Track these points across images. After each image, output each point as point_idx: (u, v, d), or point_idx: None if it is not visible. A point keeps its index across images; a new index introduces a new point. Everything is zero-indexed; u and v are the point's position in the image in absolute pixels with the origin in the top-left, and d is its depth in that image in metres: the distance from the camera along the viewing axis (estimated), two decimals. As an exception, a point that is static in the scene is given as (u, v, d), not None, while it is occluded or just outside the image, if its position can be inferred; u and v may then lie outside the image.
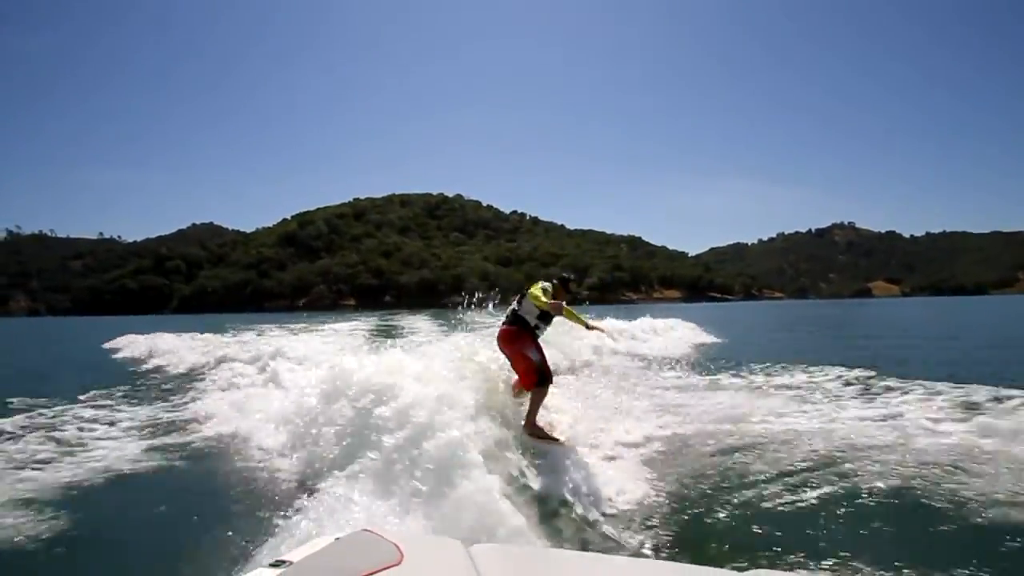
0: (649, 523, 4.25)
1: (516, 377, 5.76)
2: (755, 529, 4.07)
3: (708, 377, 10.09)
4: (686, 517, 4.34)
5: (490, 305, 8.23)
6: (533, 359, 5.48)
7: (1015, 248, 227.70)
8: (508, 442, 4.96)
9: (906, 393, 7.92)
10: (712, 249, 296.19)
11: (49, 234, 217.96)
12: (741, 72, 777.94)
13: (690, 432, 6.43)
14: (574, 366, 10.06)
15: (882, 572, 3.41)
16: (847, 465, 5.04)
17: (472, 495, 3.81)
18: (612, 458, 5.58)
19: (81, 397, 9.46)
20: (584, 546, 3.94)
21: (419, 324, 27.67)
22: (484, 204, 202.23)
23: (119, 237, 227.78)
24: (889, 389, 8.28)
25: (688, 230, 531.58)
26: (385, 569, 1.32)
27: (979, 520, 3.99)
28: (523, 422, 5.42)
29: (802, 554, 3.66)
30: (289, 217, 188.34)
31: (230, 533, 3.88)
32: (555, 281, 5.82)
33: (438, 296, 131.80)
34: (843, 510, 4.26)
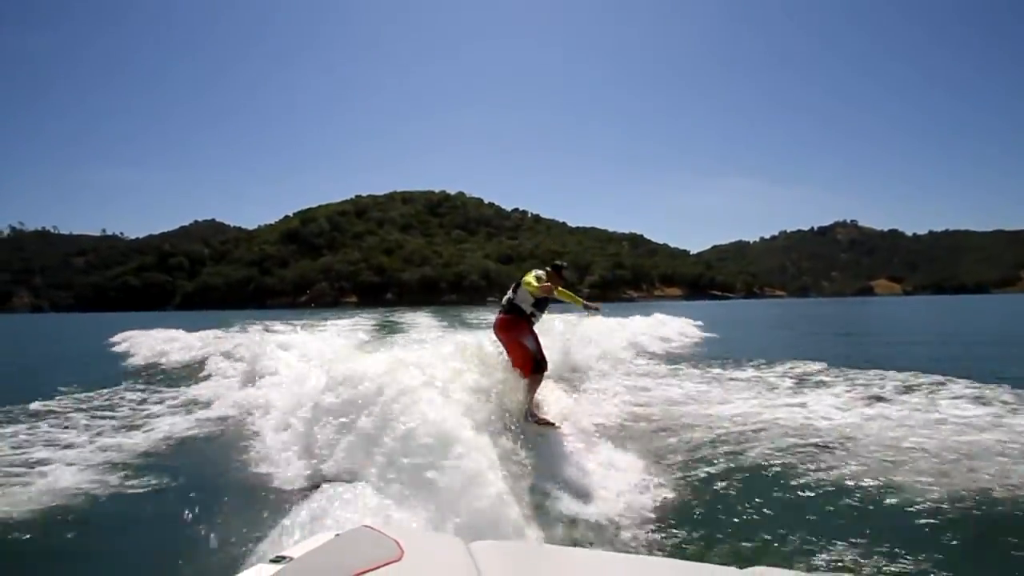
0: (649, 519, 4.25)
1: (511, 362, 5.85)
2: (755, 526, 4.08)
3: (698, 371, 10.08)
4: (686, 512, 4.34)
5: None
6: (529, 347, 5.68)
7: (1017, 247, 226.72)
8: (507, 434, 4.98)
9: (909, 391, 7.93)
10: (714, 247, 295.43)
11: (52, 231, 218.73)
12: (741, 72, 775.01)
13: (688, 428, 6.43)
14: (578, 365, 10.08)
15: (881, 566, 3.42)
16: (848, 463, 5.05)
17: (473, 492, 3.81)
18: (610, 453, 5.57)
19: (81, 395, 9.48)
20: (584, 543, 3.94)
21: (420, 320, 27.71)
22: (486, 202, 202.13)
23: (122, 234, 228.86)
24: (887, 387, 8.29)
25: (690, 228, 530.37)
26: (385, 565, 1.32)
27: (974, 512, 4.01)
28: (521, 408, 5.55)
29: (801, 549, 3.67)
30: (291, 214, 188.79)
31: (231, 529, 3.89)
32: (548, 269, 6.06)
33: (439, 293, 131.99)
34: (843, 507, 4.27)
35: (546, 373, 6.06)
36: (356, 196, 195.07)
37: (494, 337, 6.04)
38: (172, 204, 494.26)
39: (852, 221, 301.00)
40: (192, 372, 12.32)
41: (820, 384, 8.87)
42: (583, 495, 4.57)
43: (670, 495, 4.65)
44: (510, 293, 5.99)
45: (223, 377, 10.82)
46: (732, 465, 5.22)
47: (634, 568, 1.76)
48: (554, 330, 9.28)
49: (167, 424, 7.45)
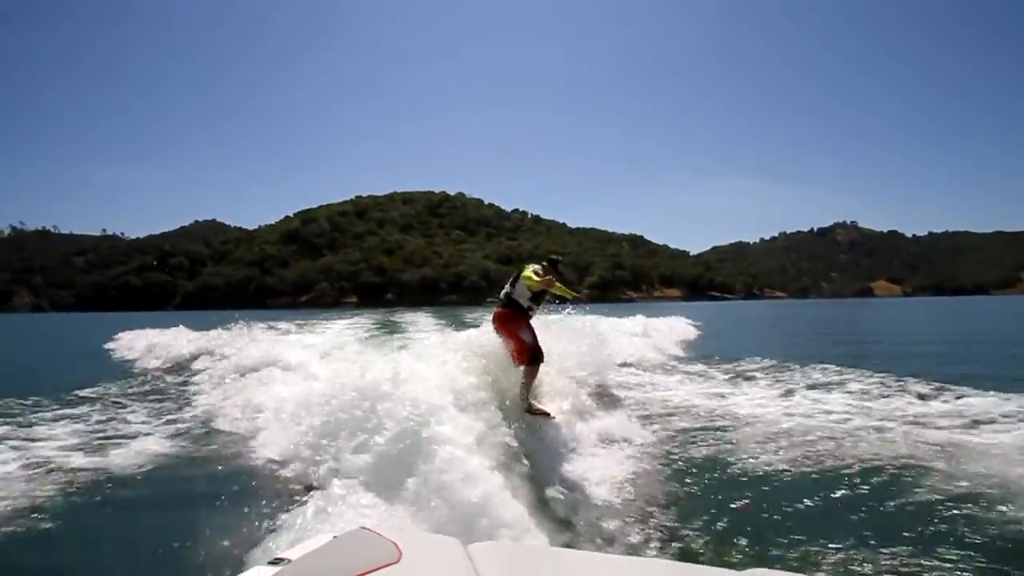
0: (647, 519, 4.25)
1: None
2: (755, 527, 4.08)
3: (694, 372, 10.09)
4: (684, 513, 4.34)
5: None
6: (526, 340, 5.82)
7: (1017, 248, 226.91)
8: (506, 433, 4.99)
9: (903, 391, 7.94)
10: (714, 248, 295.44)
11: (52, 230, 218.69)
12: (741, 72, 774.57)
13: (687, 428, 6.45)
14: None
15: (881, 566, 3.42)
16: (848, 464, 5.05)
17: (470, 493, 3.82)
18: (609, 453, 5.59)
19: (82, 394, 9.48)
20: (582, 543, 3.94)
21: (420, 320, 27.71)
22: (486, 202, 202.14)
23: (122, 234, 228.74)
24: (884, 385, 8.31)
25: (690, 229, 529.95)
26: (383, 567, 1.32)
27: (971, 511, 4.02)
28: (518, 398, 5.66)
29: (801, 550, 3.68)
30: (292, 215, 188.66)
31: (228, 531, 3.88)
32: (545, 263, 6.26)
33: (439, 294, 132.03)
34: (843, 508, 4.28)
35: (552, 369, 6.16)
36: (356, 196, 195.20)
37: (491, 330, 6.12)
38: (172, 204, 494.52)
39: (852, 222, 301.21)
40: (191, 372, 12.31)
41: (820, 385, 8.89)
42: (581, 496, 4.57)
43: (668, 496, 4.65)
44: (508, 287, 6.12)
45: (222, 377, 10.81)
46: (731, 465, 5.22)
47: (631, 570, 1.76)
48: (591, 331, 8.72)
49: (165, 425, 7.45)
